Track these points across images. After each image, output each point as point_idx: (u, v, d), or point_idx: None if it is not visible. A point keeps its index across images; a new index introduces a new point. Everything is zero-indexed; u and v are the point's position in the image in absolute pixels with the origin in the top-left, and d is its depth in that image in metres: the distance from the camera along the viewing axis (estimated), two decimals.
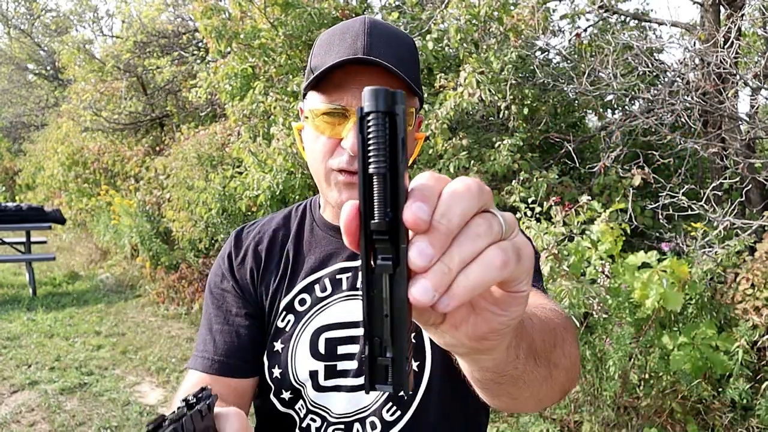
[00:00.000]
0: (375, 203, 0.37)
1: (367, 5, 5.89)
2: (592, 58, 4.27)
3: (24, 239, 6.99)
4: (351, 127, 0.89)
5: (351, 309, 0.99)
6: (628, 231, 3.17)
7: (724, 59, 3.67)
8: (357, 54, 0.88)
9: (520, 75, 4.66)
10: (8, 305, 6.21)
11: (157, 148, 8.62)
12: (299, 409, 1.01)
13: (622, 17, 5.42)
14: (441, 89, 4.15)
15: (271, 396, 1.02)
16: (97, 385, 4.15)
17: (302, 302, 1.01)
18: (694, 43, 4.32)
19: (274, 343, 1.02)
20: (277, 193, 4.31)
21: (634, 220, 3.62)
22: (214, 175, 5.39)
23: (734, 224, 3.40)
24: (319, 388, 0.99)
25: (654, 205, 3.73)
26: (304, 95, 0.98)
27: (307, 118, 0.95)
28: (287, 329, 1.01)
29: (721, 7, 4.37)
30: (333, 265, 1.02)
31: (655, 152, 4.05)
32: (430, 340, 0.94)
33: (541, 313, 0.68)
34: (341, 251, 1.03)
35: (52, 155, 10.56)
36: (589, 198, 3.21)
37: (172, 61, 8.95)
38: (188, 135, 6.75)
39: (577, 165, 4.34)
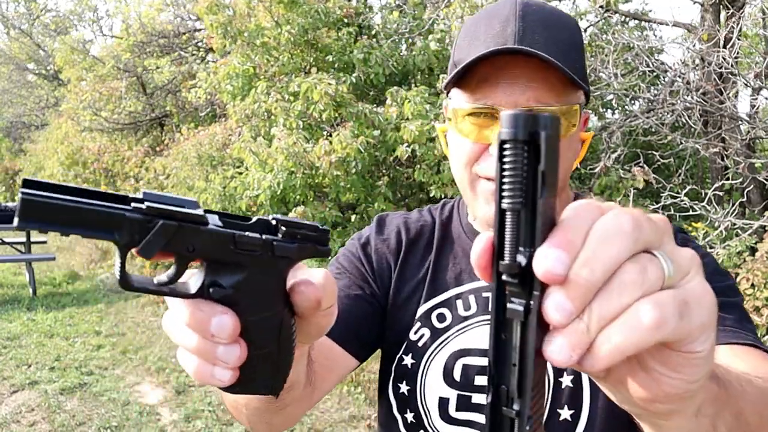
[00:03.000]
0: (506, 242, 0.34)
1: (369, 6, 5.89)
2: (592, 58, 4.27)
3: (24, 239, 6.99)
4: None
5: None
6: None
7: (725, 59, 3.66)
8: (506, 43, 0.76)
9: None
10: (8, 305, 6.21)
11: (157, 149, 8.62)
12: None
13: (623, 17, 5.42)
14: (441, 90, 4.15)
15: (395, 412, 0.92)
16: (97, 385, 4.15)
17: (441, 318, 0.90)
18: (695, 43, 4.32)
19: (404, 357, 0.91)
20: (278, 193, 4.31)
21: None
22: (214, 176, 5.39)
23: (735, 224, 3.40)
24: (448, 419, 0.87)
25: (656, 206, 3.72)
26: (447, 93, 0.87)
27: (449, 119, 0.85)
28: (420, 344, 0.90)
29: (722, 8, 4.37)
30: (480, 281, 0.83)
31: (655, 152, 4.05)
32: (591, 386, 0.82)
33: (762, 381, 0.55)
34: None
35: (52, 155, 10.56)
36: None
37: (172, 61, 8.95)
38: (188, 135, 6.75)
39: (578, 165, 4.34)
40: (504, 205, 0.33)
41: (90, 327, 5.47)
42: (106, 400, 3.91)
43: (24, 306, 6.17)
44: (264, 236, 0.42)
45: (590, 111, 1.04)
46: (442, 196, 3.97)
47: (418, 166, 4.14)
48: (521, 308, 0.34)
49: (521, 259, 0.33)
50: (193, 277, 0.43)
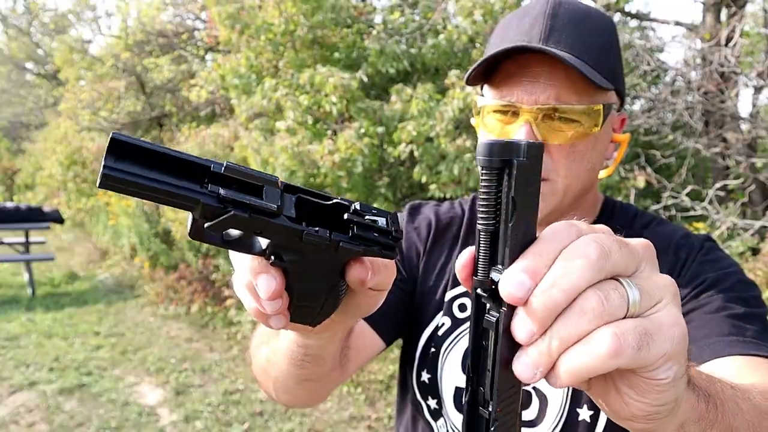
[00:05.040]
0: (480, 260, 0.37)
1: (373, 7, 5.87)
2: None
3: (23, 239, 6.97)
4: (522, 126, 0.78)
5: None
6: None
7: (727, 57, 3.65)
8: (531, 41, 0.76)
9: None
10: (7, 305, 6.19)
11: None
12: (440, 427, 0.91)
13: (625, 17, 5.40)
14: (450, 87, 4.12)
15: (419, 398, 0.94)
16: (96, 385, 4.13)
17: (462, 308, 0.92)
18: (696, 42, 4.31)
19: (431, 345, 0.93)
20: None
21: None
22: None
23: (736, 225, 3.39)
24: (462, 409, 0.88)
25: (657, 207, 3.71)
26: (481, 88, 0.88)
27: (478, 114, 0.86)
28: (440, 333, 0.92)
29: (723, 6, 4.36)
30: None
31: (656, 152, 4.04)
32: None
33: (761, 398, 0.55)
34: None
35: (51, 155, 10.55)
36: None
37: (172, 60, 8.94)
38: (189, 135, 6.72)
39: None
40: (477, 226, 0.37)
41: (89, 327, 5.45)
42: (105, 400, 3.90)
43: (23, 306, 6.15)
44: (332, 236, 0.42)
45: (627, 112, 1.06)
46: (442, 196, 3.95)
47: (418, 166, 4.13)
48: (493, 320, 0.36)
49: (495, 276, 0.36)
50: (259, 240, 0.44)
